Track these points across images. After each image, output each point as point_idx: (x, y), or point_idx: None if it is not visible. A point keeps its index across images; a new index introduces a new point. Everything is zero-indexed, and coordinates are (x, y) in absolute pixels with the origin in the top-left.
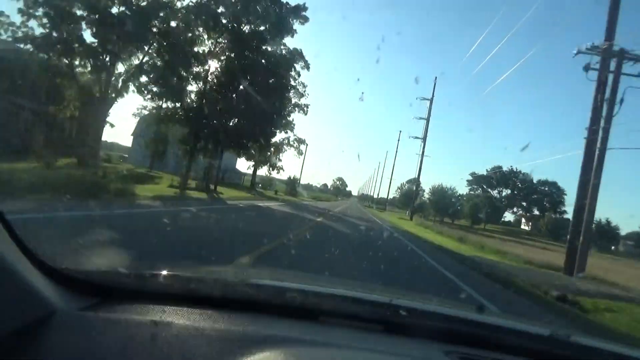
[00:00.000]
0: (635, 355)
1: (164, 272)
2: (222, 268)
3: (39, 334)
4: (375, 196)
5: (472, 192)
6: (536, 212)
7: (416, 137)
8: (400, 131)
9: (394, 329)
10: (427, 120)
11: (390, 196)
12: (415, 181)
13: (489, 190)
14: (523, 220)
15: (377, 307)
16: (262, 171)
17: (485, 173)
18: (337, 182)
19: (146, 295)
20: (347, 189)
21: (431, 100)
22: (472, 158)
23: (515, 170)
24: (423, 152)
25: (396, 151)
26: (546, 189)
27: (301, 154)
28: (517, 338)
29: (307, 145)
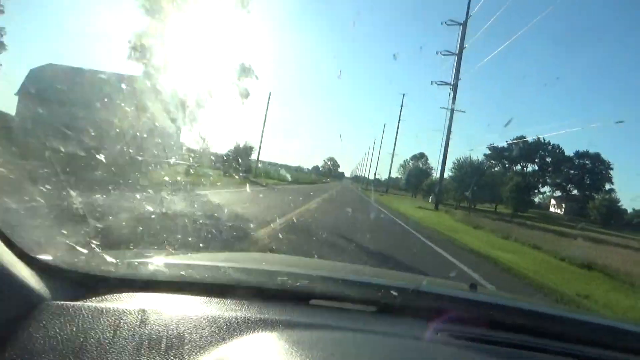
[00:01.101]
0: (627, 329)
1: (152, 260)
2: (211, 254)
3: (26, 326)
4: (370, 177)
5: (491, 169)
6: (571, 192)
7: (444, 83)
8: (404, 94)
9: (385, 310)
10: (460, 52)
11: (385, 176)
12: (422, 157)
13: (512, 166)
14: (552, 202)
15: (367, 289)
16: None
17: (506, 144)
18: (329, 163)
19: (134, 283)
20: (340, 170)
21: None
22: (475, 136)
23: (543, 140)
24: (451, 118)
25: (399, 120)
26: (586, 162)
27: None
28: (508, 315)
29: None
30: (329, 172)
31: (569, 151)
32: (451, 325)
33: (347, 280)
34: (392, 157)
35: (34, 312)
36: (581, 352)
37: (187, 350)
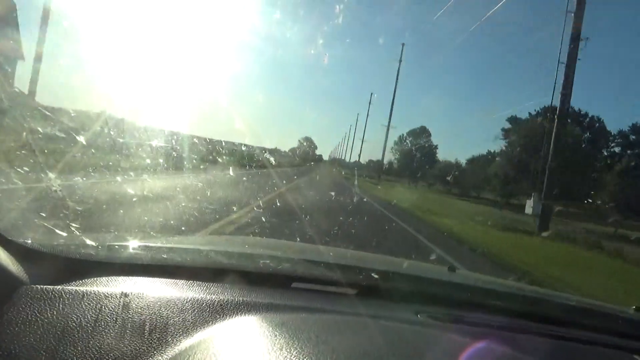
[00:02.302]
0: (596, 309)
1: (134, 243)
2: (193, 237)
3: (5, 311)
4: (350, 159)
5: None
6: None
7: None
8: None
9: (366, 293)
10: None
11: (368, 159)
12: (423, 132)
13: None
14: None
15: (349, 272)
16: None
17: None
18: (304, 144)
19: (115, 267)
20: (317, 152)
21: None
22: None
23: (579, 110)
24: None
25: (395, 86)
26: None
27: None
28: (486, 296)
29: None
30: (306, 154)
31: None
32: (431, 307)
33: (328, 263)
34: (388, 130)
35: (12, 296)
36: (560, 333)
37: (171, 333)
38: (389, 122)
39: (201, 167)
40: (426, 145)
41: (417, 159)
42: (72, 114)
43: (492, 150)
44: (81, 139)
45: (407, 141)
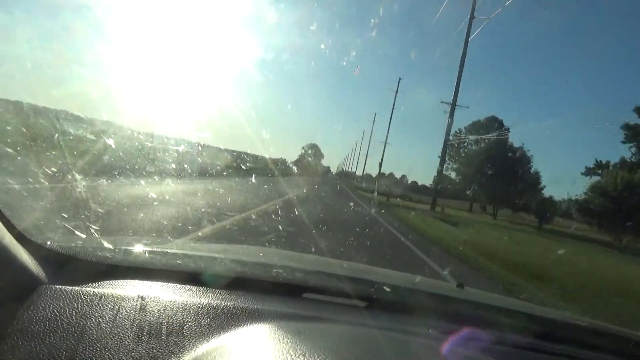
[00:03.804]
0: (614, 332)
1: (150, 248)
2: (209, 244)
3: (25, 309)
4: (358, 172)
5: None
6: None
7: None
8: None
9: (376, 306)
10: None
11: (382, 172)
12: (492, 124)
13: None
14: None
15: (360, 284)
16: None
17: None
18: (308, 152)
19: (131, 270)
20: (324, 162)
21: None
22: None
23: None
24: None
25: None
26: None
27: None
28: (495, 313)
29: None
30: (310, 164)
31: None
32: (441, 322)
33: (340, 275)
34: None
35: (32, 295)
36: (568, 353)
37: (188, 337)
38: (454, 104)
39: (224, 173)
40: (507, 146)
41: (493, 168)
42: (104, 118)
43: (604, 161)
44: (110, 141)
45: (470, 141)
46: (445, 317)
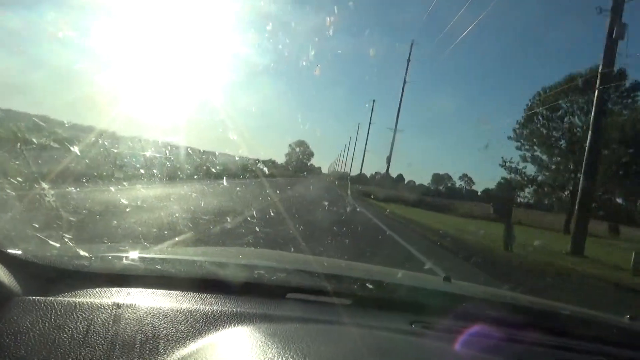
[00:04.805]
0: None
1: (127, 254)
2: (187, 248)
3: None
4: (361, 170)
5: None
6: None
7: None
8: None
9: (360, 303)
10: None
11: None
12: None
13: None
14: None
15: (343, 282)
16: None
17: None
18: (297, 150)
19: (108, 278)
20: (313, 162)
21: None
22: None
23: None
24: None
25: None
26: None
27: None
28: (480, 306)
29: None
30: (299, 162)
31: None
32: (425, 317)
33: (322, 273)
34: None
35: (4, 308)
36: (556, 342)
37: (163, 345)
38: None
39: (195, 177)
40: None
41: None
42: (66, 124)
43: None
44: (75, 149)
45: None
46: (430, 311)
